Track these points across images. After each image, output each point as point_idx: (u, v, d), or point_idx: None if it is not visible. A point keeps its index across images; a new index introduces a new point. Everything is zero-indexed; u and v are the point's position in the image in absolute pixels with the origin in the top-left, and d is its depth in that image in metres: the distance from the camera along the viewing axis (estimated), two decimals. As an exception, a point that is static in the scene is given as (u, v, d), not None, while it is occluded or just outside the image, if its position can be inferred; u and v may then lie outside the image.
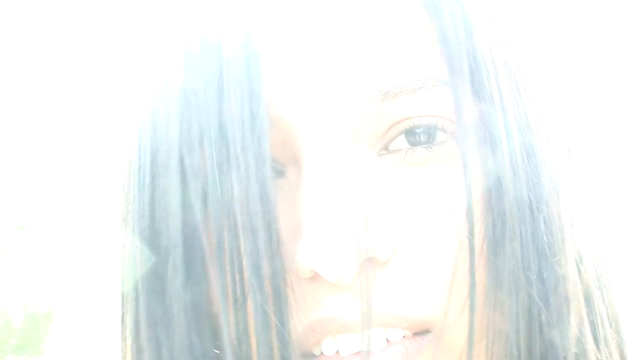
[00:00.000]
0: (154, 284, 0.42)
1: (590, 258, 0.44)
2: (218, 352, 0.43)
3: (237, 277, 0.40)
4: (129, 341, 0.45)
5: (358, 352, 0.41)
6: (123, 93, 0.47)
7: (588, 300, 0.43)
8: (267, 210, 0.39)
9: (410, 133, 0.42)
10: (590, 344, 0.42)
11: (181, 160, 0.41)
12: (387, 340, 0.41)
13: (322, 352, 0.41)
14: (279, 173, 0.42)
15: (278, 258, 0.39)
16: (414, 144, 0.42)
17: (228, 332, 0.40)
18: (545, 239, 0.41)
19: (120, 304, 0.46)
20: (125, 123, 0.46)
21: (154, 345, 0.42)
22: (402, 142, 0.42)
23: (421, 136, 0.42)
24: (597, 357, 0.43)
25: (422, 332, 0.41)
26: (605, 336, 0.44)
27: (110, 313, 0.49)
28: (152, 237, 0.42)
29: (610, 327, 0.45)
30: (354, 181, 0.40)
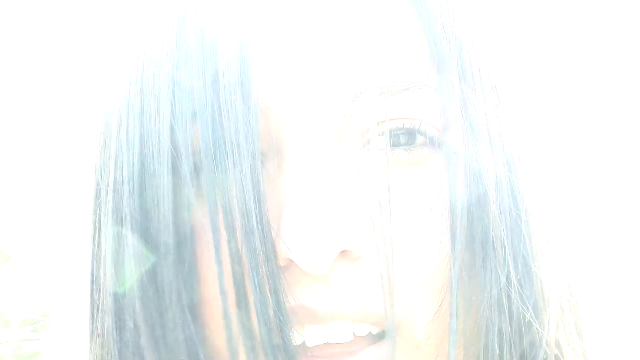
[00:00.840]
0: (147, 265, 0.43)
1: (561, 264, 0.45)
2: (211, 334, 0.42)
3: (234, 251, 0.40)
4: (113, 336, 0.44)
5: (325, 344, 0.41)
6: (108, 80, 0.47)
7: (560, 306, 0.44)
8: (258, 194, 0.40)
9: (391, 134, 0.43)
10: (565, 348, 0.42)
11: (173, 138, 0.42)
12: (354, 335, 0.42)
13: None
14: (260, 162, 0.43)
15: (269, 234, 0.40)
16: (394, 145, 0.43)
17: (225, 305, 0.41)
18: (528, 243, 0.42)
19: (91, 292, 0.46)
20: (110, 107, 0.46)
21: (150, 332, 0.43)
22: (382, 142, 0.42)
23: (401, 138, 0.43)
24: None
25: (392, 330, 0.42)
26: (572, 342, 0.45)
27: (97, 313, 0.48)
28: (144, 220, 0.43)
29: (577, 333, 0.46)
30: (334, 176, 0.41)
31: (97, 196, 0.47)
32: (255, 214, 0.40)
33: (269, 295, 0.40)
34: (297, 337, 0.42)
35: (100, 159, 0.47)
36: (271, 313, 0.40)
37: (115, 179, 0.44)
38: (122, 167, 0.44)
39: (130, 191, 0.43)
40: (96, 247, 0.46)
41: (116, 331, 0.44)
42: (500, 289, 0.42)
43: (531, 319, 0.42)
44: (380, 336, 0.42)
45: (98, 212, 0.46)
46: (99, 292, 0.46)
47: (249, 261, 0.40)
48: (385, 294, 0.41)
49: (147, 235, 0.43)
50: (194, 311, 0.42)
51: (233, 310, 0.41)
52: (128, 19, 0.47)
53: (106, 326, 0.45)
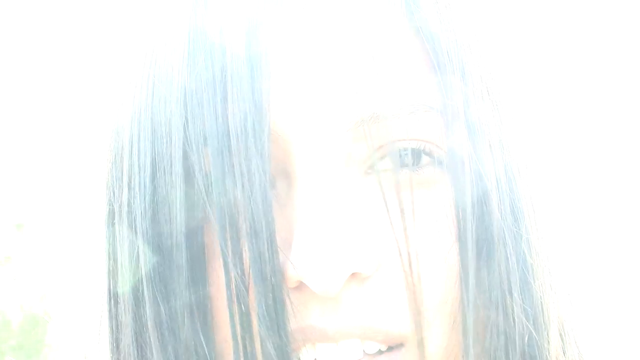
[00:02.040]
0: (158, 285, 0.43)
1: (562, 281, 0.46)
2: (220, 349, 0.43)
3: (240, 278, 0.41)
4: (120, 342, 0.45)
5: None
6: (118, 97, 0.47)
7: (560, 322, 0.45)
8: (268, 219, 0.40)
9: (396, 155, 0.43)
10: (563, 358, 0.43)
11: (184, 162, 0.42)
12: (364, 352, 0.42)
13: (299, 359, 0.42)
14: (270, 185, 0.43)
15: (277, 261, 0.40)
16: (400, 166, 0.43)
17: (234, 331, 0.41)
18: (529, 261, 0.42)
19: (109, 307, 0.47)
20: (120, 126, 0.46)
21: (158, 345, 0.43)
22: (387, 163, 0.43)
23: (407, 159, 0.43)
24: None
25: (396, 346, 0.42)
26: (572, 356, 0.46)
27: (101, 314, 0.49)
28: (156, 241, 0.43)
29: (577, 347, 0.46)
30: (344, 199, 0.41)
31: (110, 214, 0.47)
32: (266, 240, 0.40)
33: (276, 320, 0.40)
34: (309, 355, 0.43)
35: (111, 176, 0.47)
36: (276, 339, 0.40)
37: (128, 200, 0.45)
38: (135, 189, 0.44)
39: (142, 213, 0.43)
40: (112, 262, 0.47)
41: (135, 348, 0.45)
42: (505, 304, 0.42)
43: (533, 332, 0.43)
44: (387, 354, 0.43)
45: (112, 229, 0.47)
46: (117, 307, 0.47)
47: (256, 286, 0.40)
48: (412, 309, 0.41)
49: (160, 256, 0.43)
50: (206, 333, 0.43)
51: (240, 334, 0.41)
52: (140, 37, 0.47)
53: (125, 342, 0.46)
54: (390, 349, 0.43)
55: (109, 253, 0.46)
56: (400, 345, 0.42)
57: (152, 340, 0.43)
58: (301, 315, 0.41)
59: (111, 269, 0.46)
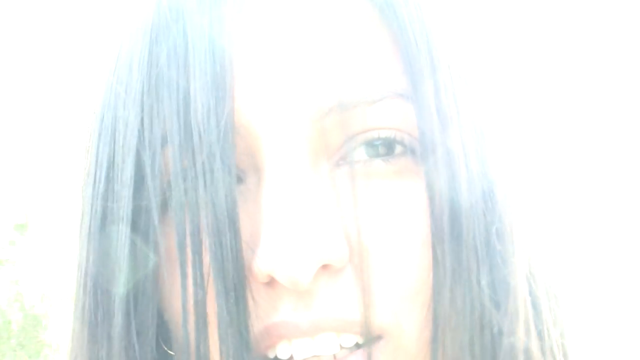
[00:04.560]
0: (102, 285, 0.43)
1: (540, 269, 0.45)
2: (173, 353, 0.44)
3: (198, 279, 0.40)
4: (72, 343, 0.45)
5: (313, 357, 0.41)
6: (92, 95, 0.47)
7: (536, 310, 0.44)
8: (232, 216, 0.40)
9: (368, 145, 0.42)
10: (536, 354, 0.43)
11: (137, 162, 0.42)
12: (341, 346, 0.41)
13: (276, 356, 0.42)
14: (239, 180, 0.43)
15: (241, 261, 0.40)
16: (372, 155, 0.42)
17: (186, 332, 0.41)
18: (498, 250, 0.42)
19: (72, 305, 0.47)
20: (89, 125, 0.47)
21: (93, 348, 0.43)
22: (360, 153, 0.42)
23: (379, 148, 0.42)
24: None
25: (374, 339, 0.42)
26: (551, 346, 0.45)
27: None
28: (105, 240, 0.43)
29: (558, 337, 0.46)
30: (313, 191, 0.41)
31: (80, 214, 0.47)
32: (229, 238, 0.40)
33: (237, 321, 0.40)
34: (285, 351, 0.42)
35: (81, 175, 0.48)
36: (237, 340, 0.40)
37: (88, 200, 0.45)
38: (90, 189, 0.44)
39: (94, 212, 0.43)
40: (80, 259, 0.47)
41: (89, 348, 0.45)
42: (473, 293, 0.42)
43: (501, 322, 0.42)
44: (366, 345, 0.43)
45: (78, 228, 0.47)
46: (74, 307, 0.47)
47: (217, 285, 0.40)
48: (360, 302, 0.41)
49: (106, 260, 0.43)
50: (144, 335, 0.42)
51: (193, 335, 0.40)
52: (111, 35, 0.47)
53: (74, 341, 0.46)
54: (368, 341, 0.42)
55: (80, 250, 0.46)
56: (378, 338, 0.42)
57: (82, 337, 0.43)
58: (274, 311, 0.41)
59: (76, 265, 0.46)
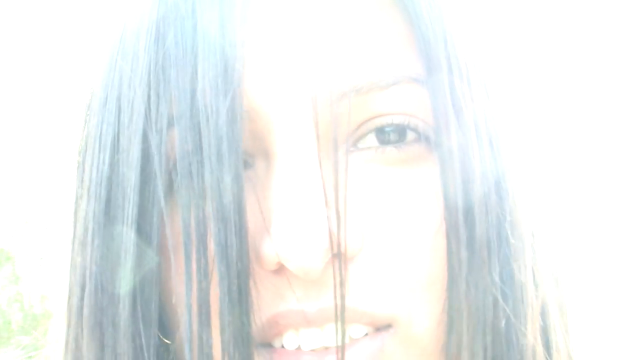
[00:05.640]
0: (106, 271, 0.42)
1: (548, 266, 0.45)
2: (170, 342, 0.43)
3: (203, 265, 0.39)
4: (71, 330, 0.44)
5: (322, 347, 0.41)
6: (91, 79, 0.46)
7: (543, 307, 0.44)
8: (238, 201, 0.39)
9: (381, 131, 0.42)
10: (541, 350, 0.42)
11: (144, 144, 0.41)
12: (350, 337, 0.41)
13: (282, 345, 0.41)
14: (248, 164, 0.42)
15: (245, 248, 0.39)
16: (384, 142, 0.42)
17: (189, 319, 0.40)
18: (511, 243, 0.41)
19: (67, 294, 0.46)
20: (87, 106, 0.45)
21: (97, 335, 0.42)
22: (372, 140, 0.42)
23: (391, 135, 0.42)
24: None
25: (384, 327, 0.41)
26: (557, 343, 0.45)
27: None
28: (107, 221, 0.42)
29: (563, 334, 0.45)
30: (324, 177, 0.40)
31: (76, 199, 0.46)
32: (235, 223, 0.38)
33: (239, 310, 0.39)
34: (291, 341, 0.42)
35: (79, 160, 0.46)
36: (238, 329, 0.39)
37: (88, 183, 0.43)
38: (92, 172, 0.43)
39: (96, 196, 0.42)
40: (74, 245, 0.46)
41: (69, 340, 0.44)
42: (491, 288, 0.42)
43: (511, 316, 0.42)
44: (375, 335, 0.42)
45: (74, 216, 0.46)
46: (69, 294, 0.46)
47: (220, 270, 0.38)
48: (336, 288, 0.40)
49: (110, 244, 0.41)
50: (148, 323, 0.42)
51: (196, 323, 0.39)
52: (113, 16, 0.46)
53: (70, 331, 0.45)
54: (377, 330, 0.41)
55: (72, 236, 0.45)
56: (388, 327, 0.41)
57: (87, 324, 0.42)
58: (282, 299, 0.40)
59: (71, 251, 0.45)
